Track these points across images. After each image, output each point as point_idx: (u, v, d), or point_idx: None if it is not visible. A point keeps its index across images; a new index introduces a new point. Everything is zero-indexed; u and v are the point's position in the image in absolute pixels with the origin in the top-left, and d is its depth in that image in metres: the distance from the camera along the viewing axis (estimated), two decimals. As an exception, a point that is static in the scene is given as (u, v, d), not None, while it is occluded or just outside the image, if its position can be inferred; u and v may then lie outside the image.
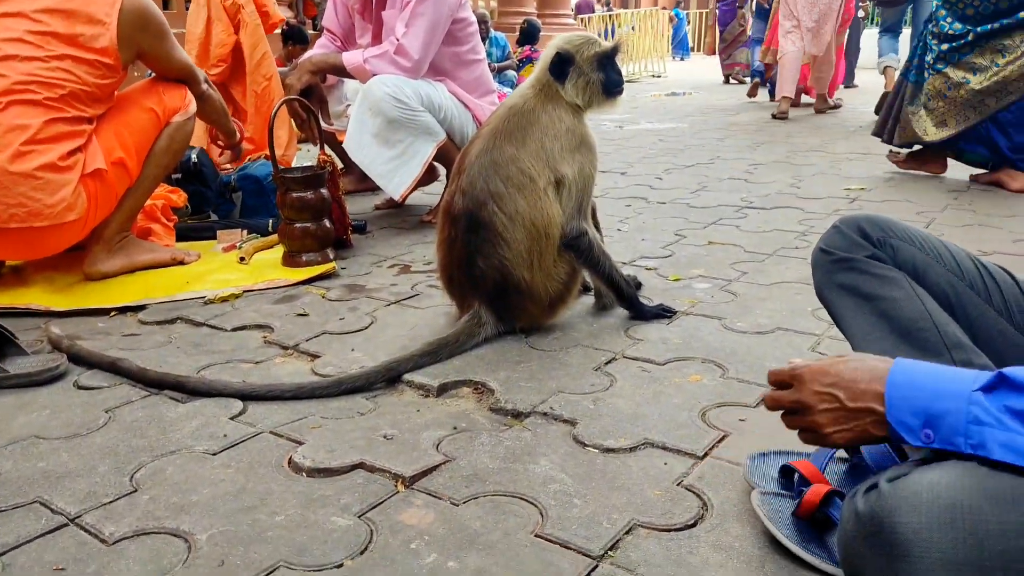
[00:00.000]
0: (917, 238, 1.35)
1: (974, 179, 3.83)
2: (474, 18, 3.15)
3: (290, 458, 1.37)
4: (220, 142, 2.93)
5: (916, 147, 3.95)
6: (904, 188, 3.73)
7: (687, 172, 4.34)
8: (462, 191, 1.92)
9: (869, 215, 1.39)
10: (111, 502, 1.24)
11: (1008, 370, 0.84)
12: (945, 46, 3.50)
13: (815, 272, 1.43)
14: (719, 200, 3.55)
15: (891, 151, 4.10)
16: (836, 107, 7.27)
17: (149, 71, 2.61)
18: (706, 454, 1.37)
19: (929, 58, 3.60)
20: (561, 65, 1.99)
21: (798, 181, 3.98)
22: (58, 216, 2.22)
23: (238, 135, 2.89)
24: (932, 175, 4.00)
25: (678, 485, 1.27)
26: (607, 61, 2.04)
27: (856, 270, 1.34)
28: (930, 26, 3.62)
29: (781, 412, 1.03)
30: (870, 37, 6.28)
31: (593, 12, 15.32)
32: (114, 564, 1.09)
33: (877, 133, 4.09)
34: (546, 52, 2.05)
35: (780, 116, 6.60)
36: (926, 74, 3.63)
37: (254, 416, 1.55)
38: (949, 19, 3.47)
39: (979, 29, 3.37)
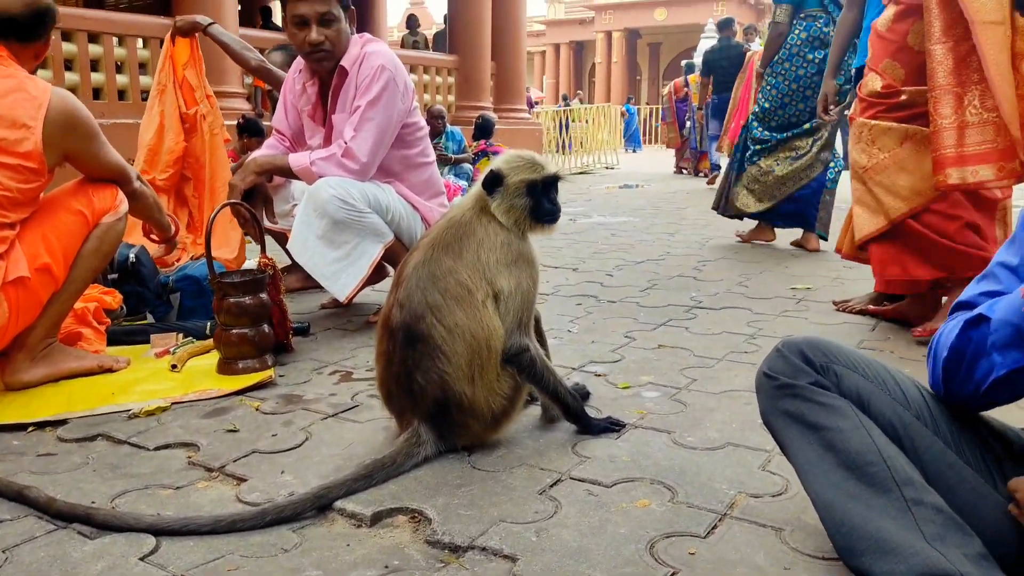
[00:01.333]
0: (861, 365, 1.33)
1: (793, 244, 5.09)
2: (424, 123, 3.18)
3: (200, 610, 1.25)
4: (154, 236, 2.83)
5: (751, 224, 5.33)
6: (848, 290, 3.79)
7: (638, 269, 4.37)
8: (400, 303, 1.86)
9: (811, 339, 1.37)
10: (-10, 670, 1.11)
11: None
12: (758, 146, 5.00)
13: (759, 396, 1.40)
14: (668, 299, 3.56)
15: (737, 232, 5.40)
16: None
17: None
18: (653, 596, 1.28)
19: (748, 154, 5.06)
20: (492, 184, 1.96)
21: (746, 279, 4.02)
22: None
23: (172, 228, 2.80)
24: (767, 244, 5.19)
25: (623, 635, 1.18)
26: (540, 188, 1.95)
27: (800, 397, 1.31)
28: (748, 132, 5.09)
29: None
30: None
31: (532, 107, 15.64)
32: None
33: (715, 207, 5.36)
34: (488, 167, 2.03)
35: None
36: (745, 165, 5.07)
37: (167, 555, 1.42)
38: (760, 128, 4.99)
39: (779, 136, 4.92)
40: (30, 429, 2.06)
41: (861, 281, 3.95)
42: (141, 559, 1.40)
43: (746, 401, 2.19)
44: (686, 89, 11.99)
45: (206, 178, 3.66)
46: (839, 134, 5.27)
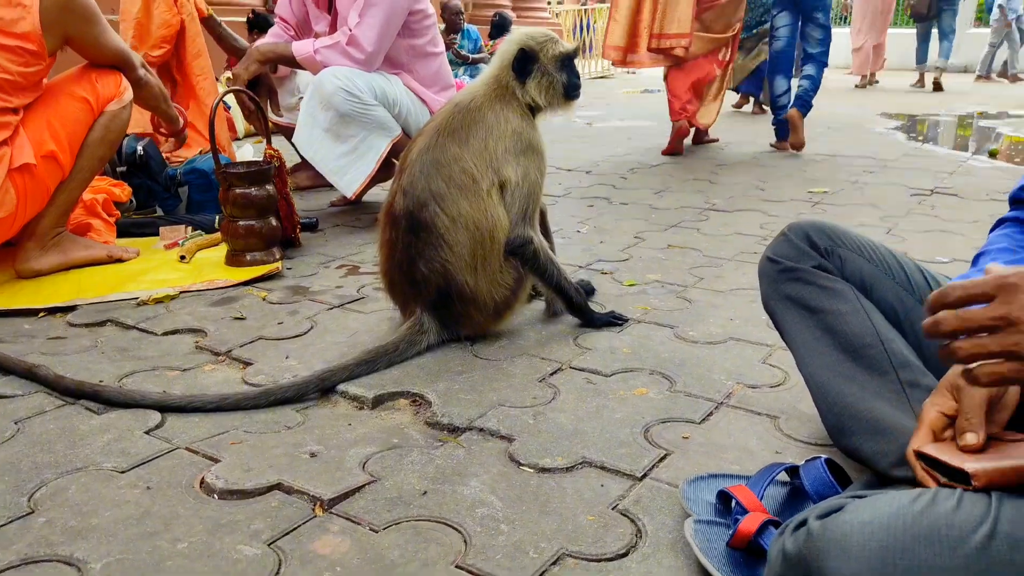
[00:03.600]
0: (866, 249, 1.30)
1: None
2: (432, 10, 3.06)
3: (202, 478, 1.28)
4: (163, 130, 2.80)
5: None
6: (868, 192, 3.71)
7: (653, 171, 4.29)
8: (403, 191, 1.84)
9: (818, 222, 1.34)
10: (3, 525, 1.15)
11: None
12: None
13: (762, 281, 1.38)
14: (682, 202, 3.50)
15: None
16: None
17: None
18: (645, 475, 1.30)
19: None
20: (524, 62, 1.91)
21: (762, 183, 3.94)
22: None
23: (180, 121, 2.76)
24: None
25: (613, 509, 1.21)
26: (568, 62, 1.98)
27: (802, 281, 1.29)
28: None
29: (957, 342, 0.80)
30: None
31: None
32: (-7, 599, 1.00)
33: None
34: (505, 47, 1.97)
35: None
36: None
37: (172, 430, 1.46)
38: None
39: (742, 35, 5.28)
40: (41, 314, 2.10)
41: (882, 185, 3.87)
42: (146, 432, 1.44)
43: (751, 299, 2.17)
44: None
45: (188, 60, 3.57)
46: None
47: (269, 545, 1.11)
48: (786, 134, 4.94)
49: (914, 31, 9.97)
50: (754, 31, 5.89)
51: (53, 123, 2.28)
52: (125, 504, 1.21)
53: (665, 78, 5.01)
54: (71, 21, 2.23)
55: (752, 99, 7.25)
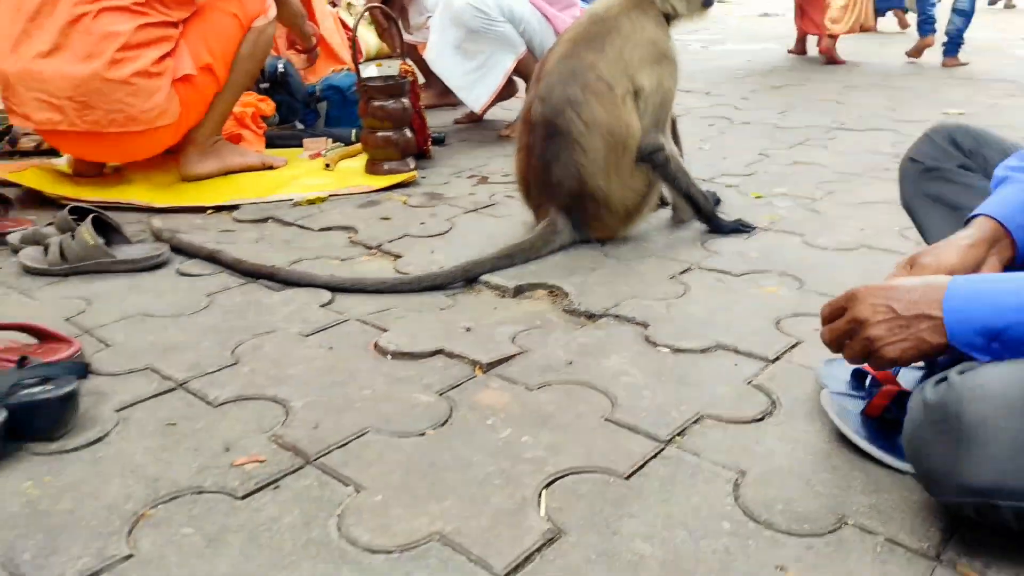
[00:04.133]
0: (1012, 149, 1.30)
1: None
2: (559, -75, 3.07)
3: (376, 343, 1.45)
4: (297, 47, 2.97)
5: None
6: (1008, 115, 3.52)
7: (775, 93, 4.19)
8: (540, 98, 1.93)
9: (962, 124, 1.35)
10: (215, 372, 1.35)
11: None
12: None
13: (902, 182, 1.40)
14: (807, 121, 3.43)
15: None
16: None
17: None
18: (777, 358, 1.38)
19: None
20: None
21: (895, 104, 3.80)
22: (152, 121, 2.31)
23: (314, 39, 2.93)
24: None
25: (748, 384, 1.30)
26: None
27: (944, 179, 1.31)
28: None
29: (844, 352, 1.01)
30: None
31: None
32: (220, 422, 1.20)
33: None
34: None
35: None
36: None
37: (342, 306, 1.63)
38: None
39: None
40: (209, 212, 2.33)
41: (1022, 110, 3.66)
42: (321, 306, 1.63)
43: (884, 212, 2.16)
44: None
45: None
46: None
47: (440, 395, 1.27)
48: (927, 34, 5.09)
49: None
50: None
51: (208, 38, 2.46)
52: (314, 360, 1.39)
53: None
54: None
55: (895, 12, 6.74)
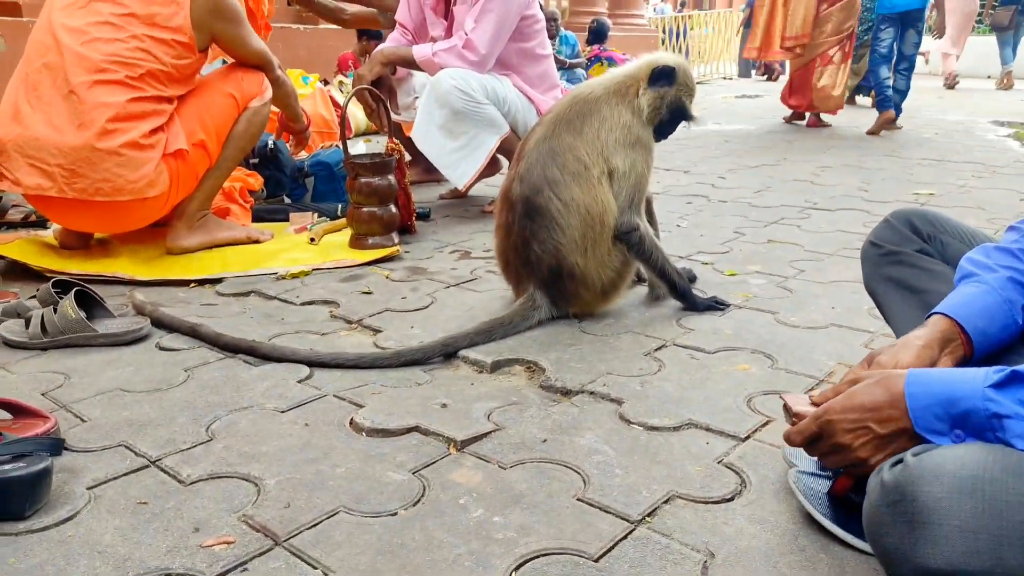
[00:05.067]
0: (967, 235, 1.36)
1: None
2: (541, 15, 3.22)
3: (351, 419, 1.46)
4: (289, 128, 3.05)
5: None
6: (976, 195, 3.64)
7: (751, 172, 4.32)
8: (520, 177, 1.99)
9: (920, 209, 1.41)
10: (188, 448, 1.36)
11: (1021, 367, 0.88)
12: None
13: (864, 264, 1.45)
14: (782, 200, 3.53)
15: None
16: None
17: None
18: (748, 436, 1.40)
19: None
20: (663, 77, 2.05)
21: (866, 184, 3.92)
22: (140, 192, 2.35)
23: (305, 120, 3.01)
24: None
25: (718, 463, 1.31)
26: (683, 110, 2.10)
27: (904, 263, 1.36)
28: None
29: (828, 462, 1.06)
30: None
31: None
32: (191, 501, 1.20)
33: None
34: (654, 59, 2.09)
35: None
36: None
37: (319, 381, 1.65)
38: None
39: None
40: (192, 285, 2.35)
41: (990, 191, 3.79)
42: (299, 382, 1.64)
43: (853, 291, 2.21)
44: None
45: None
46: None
47: (413, 473, 1.27)
48: (888, 105, 6.07)
49: (991, 38, 11.49)
50: (863, 39, 6.87)
51: (203, 115, 2.54)
52: (288, 436, 1.40)
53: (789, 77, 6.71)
54: (216, 21, 2.48)
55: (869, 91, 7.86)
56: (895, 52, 6.05)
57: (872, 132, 5.99)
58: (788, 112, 6.77)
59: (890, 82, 6.06)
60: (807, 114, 6.55)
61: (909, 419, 0.95)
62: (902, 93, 6.10)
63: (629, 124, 2.02)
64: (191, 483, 1.25)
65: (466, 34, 2.99)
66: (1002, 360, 1.13)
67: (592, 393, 1.59)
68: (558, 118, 2.01)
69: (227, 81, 2.62)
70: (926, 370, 1.00)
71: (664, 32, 12.64)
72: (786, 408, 1.16)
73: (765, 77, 13.16)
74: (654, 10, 14.74)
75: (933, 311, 1.16)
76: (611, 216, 1.97)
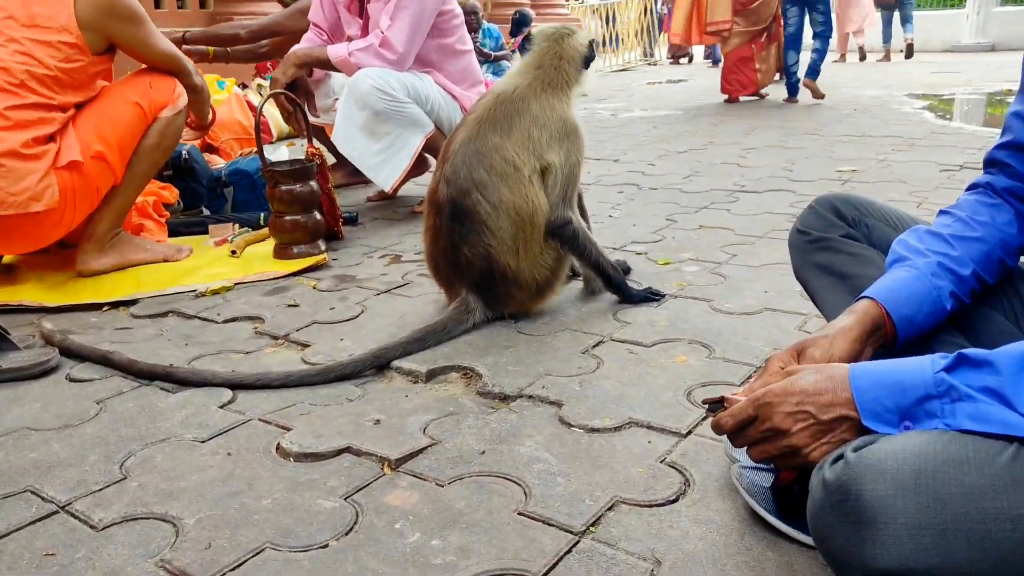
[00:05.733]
0: (892, 217, 1.36)
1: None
2: (460, 10, 3.16)
3: (278, 444, 1.38)
4: (190, 122, 2.86)
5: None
6: (897, 169, 3.73)
7: (680, 158, 4.34)
8: (446, 180, 1.93)
9: (843, 194, 1.41)
10: (100, 489, 1.26)
11: (967, 351, 0.86)
12: None
13: (792, 252, 1.44)
14: (711, 185, 3.56)
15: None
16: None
17: None
18: (689, 432, 1.38)
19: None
20: (592, 55, 2.08)
21: (791, 164, 3.98)
22: (22, 205, 2.18)
23: (210, 117, 2.83)
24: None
25: (661, 462, 1.29)
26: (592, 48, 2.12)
27: (831, 249, 1.35)
28: None
29: (753, 451, 1.00)
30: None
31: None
32: (103, 548, 1.11)
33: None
34: (576, 41, 2.07)
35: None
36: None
37: (243, 404, 1.56)
38: None
39: None
40: (105, 308, 2.22)
41: (910, 163, 3.89)
42: (220, 407, 1.55)
43: (784, 272, 2.22)
44: None
45: None
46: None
47: (345, 499, 1.21)
48: (796, 93, 6.87)
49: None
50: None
51: (104, 126, 2.35)
52: (209, 469, 1.31)
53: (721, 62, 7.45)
54: (111, 21, 2.30)
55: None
56: (802, 33, 6.77)
57: (789, 101, 6.90)
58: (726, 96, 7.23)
59: (799, 67, 6.75)
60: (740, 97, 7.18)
61: (854, 408, 0.92)
62: (820, 52, 6.69)
63: (562, 116, 1.98)
64: (103, 527, 1.16)
65: (382, 32, 2.90)
66: (928, 346, 1.12)
67: (531, 397, 1.55)
68: (482, 118, 1.95)
69: (133, 88, 2.44)
70: (870, 363, 0.98)
71: (596, 17, 12.68)
72: (705, 401, 1.09)
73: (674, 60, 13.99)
74: None
75: (862, 295, 1.15)
76: (542, 216, 1.93)
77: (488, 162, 1.91)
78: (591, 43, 2.11)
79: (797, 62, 6.79)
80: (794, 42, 6.74)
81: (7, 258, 2.53)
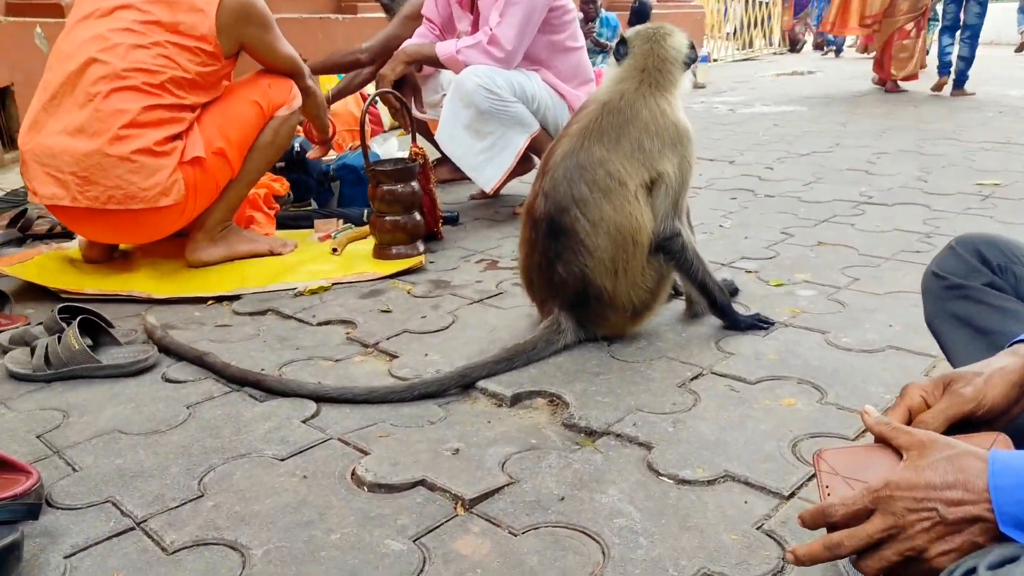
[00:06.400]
0: (1048, 265, 1.18)
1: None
2: (572, 5, 3.04)
3: (353, 470, 1.35)
4: (313, 137, 2.95)
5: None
6: (1049, 183, 3.36)
7: (802, 161, 4.08)
8: (544, 194, 1.84)
9: (990, 236, 1.23)
10: (177, 507, 1.26)
11: None
12: None
13: (925, 297, 1.28)
14: (834, 194, 3.31)
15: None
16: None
17: None
18: (792, 494, 1.25)
19: None
20: (695, 53, 2.00)
21: (926, 174, 3.66)
22: (153, 200, 2.27)
23: (331, 130, 2.90)
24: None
25: (758, 529, 1.16)
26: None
27: (972, 299, 1.18)
28: None
29: (864, 563, 0.83)
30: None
31: None
32: (170, 575, 1.10)
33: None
34: (677, 41, 1.97)
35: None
36: None
37: (326, 420, 1.54)
38: None
39: None
40: (209, 302, 2.27)
41: (1066, 176, 3.50)
42: (303, 422, 1.53)
43: (914, 303, 2.02)
44: None
45: None
46: None
47: (414, 541, 1.15)
48: (945, 74, 6.93)
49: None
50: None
51: (225, 124, 2.44)
52: (284, 492, 1.29)
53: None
54: (246, 28, 2.40)
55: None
56: (959, 22, 6.79)
57: (934, 90, 6.97)
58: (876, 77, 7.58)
59: (952, 50, 6.86)
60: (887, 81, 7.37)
61: (989, 506, 0.78)
62: (967, 60, 6.69)
63: (674, 119, 1.86)
64: (174, 551, 1.15)
65: (491, 29, 2.83)
66: None
67: (619, 435, 1.45)
68: (587, 129, 1.85)
69: (253, 88, 2.52)
70: (1012, 452, 0.83)
71: (712, 9, 12.22)
72: (816, 461, 0.92)
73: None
74: None
75: (1020, 338, 0.98)
76: (645, 235, 1.81)
77: (591, 177, 1.81)
78: (692, 44, 1.99)
79: (951, 44, 6.90)
80: (948, 31, 6.90)
81: (123, 245, 2.65)
